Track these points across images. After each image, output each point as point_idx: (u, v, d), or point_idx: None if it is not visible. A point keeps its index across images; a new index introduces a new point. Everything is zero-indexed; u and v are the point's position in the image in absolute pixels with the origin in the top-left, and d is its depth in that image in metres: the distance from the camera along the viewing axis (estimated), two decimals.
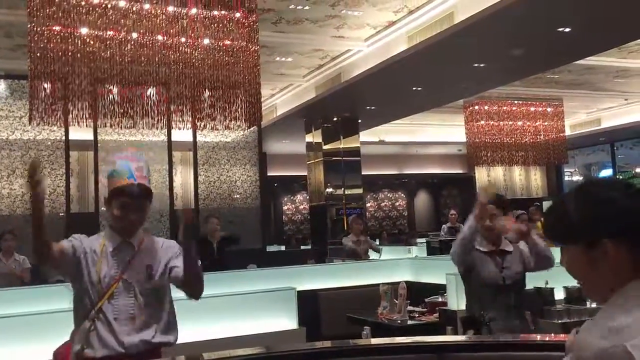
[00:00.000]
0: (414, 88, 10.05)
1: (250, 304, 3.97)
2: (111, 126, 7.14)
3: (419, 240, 12.42)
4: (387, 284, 5.00)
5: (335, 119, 12.33)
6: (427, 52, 8.09)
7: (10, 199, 9.47)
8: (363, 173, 12.89)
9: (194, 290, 2.49)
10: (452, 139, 16.14)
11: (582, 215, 1.17)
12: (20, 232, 6.71)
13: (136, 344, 2.33)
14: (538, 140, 13.57)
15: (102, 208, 9.68)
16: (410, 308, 4.76)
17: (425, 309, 4.80)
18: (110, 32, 6.51)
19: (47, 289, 5.38)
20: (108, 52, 6.61)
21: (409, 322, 4.55)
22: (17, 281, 6.21)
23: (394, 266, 6.52)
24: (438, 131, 16.11)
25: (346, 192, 12.49)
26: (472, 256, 3.21)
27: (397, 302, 4.72)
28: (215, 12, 6.93)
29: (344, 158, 12.55)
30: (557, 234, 1.24)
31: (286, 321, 4.02)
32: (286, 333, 3.95)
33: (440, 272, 4.78)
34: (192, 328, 3.33)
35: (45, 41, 6.34)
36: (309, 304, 5.01)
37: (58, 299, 4.93)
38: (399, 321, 4.54)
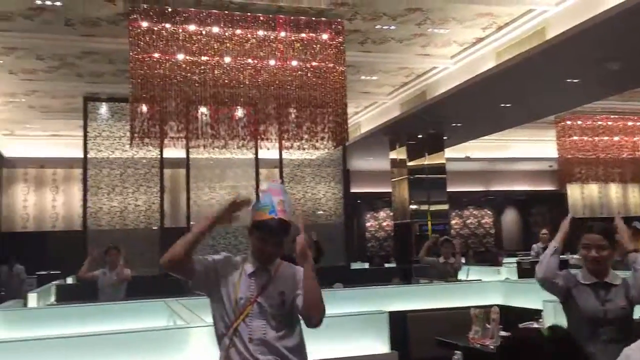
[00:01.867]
0: (503, 105, 9.81)
1: (340, 325, 3.98)
2: (204, 147, 7.44)
3: (507, 260, 12.04)
4: (478, 307, 4.88)
5: (420, 135, 12.23)
6: (517, 68, 7.89)
7: (110, 215, 10.03)
8: (448, 190, 12.68)
9: (311, 317, 2.52)
10: (542, 154, 15.58)
11: None
12: (119, 246, 7.10)
13: None
14: (636, 156, 12.87)
15: (192, 223, 10.07)
16: (503, 333, 4.62)
17: None
18: (205, 57, 6.82)
19: (144, 305, 5.66)
20: (202, 76, 6.92)
21: None
22: (120, 294, 6.56)
23: (484, 288, 6.36)
24: (527, 147, 15.60)
25: (431, 209, 12.32)
26: (570, 287, 3.08)
27: (489, 326, 4.60)
28: (303, 35, 7.11)
29: (428, 175, 12.41)
30: None
31: (378, 344, 4.00)
32: (378, 357, 3.94)
33: (534, 296, 4.60)
34: None
35: (145, 67, 6.72)
36: (398, 326, 4.97)
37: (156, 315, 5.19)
38: (492, 347, 4.42)
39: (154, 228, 10.17)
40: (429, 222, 12.17)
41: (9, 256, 12.09)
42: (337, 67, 7.04)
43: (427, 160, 12.42)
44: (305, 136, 7.21)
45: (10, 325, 5.13)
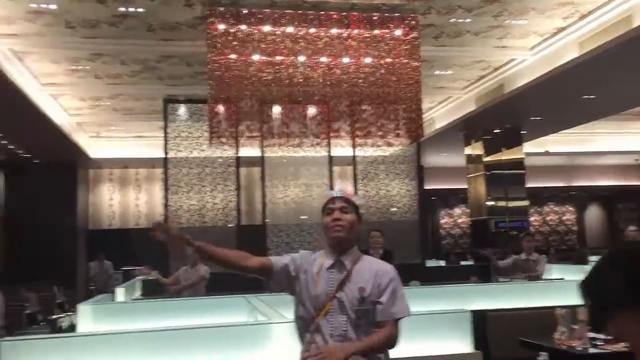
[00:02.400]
0: (585, 96, 9.39)
1: (422, 324, 3.93)
2: (278, 146, 7.56)
3: (592, 258, 11.51)
4: (563, 307, 4.69)
5: (496, 130, 11.90)
6: (602, 58, 7.53)
7: (190, 212, 10.35)
8: (527, 185, 12.27)
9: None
10: (628, 147, 14.80)
11: None
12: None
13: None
14: None
15: (267, 220, 10.25)
16: (591, 335, 4.42)
17: (610, 337, 4.42)
18: (279, 57, 6.92)
19: (225, 300, 5.81)
20: (276, 76, 7.02)
21: (591, 350, 4.23)
22: (200, 291, 6.76)
23: (568, 288, 6.10)
24: (611, 140, 14.86)
25: (509, 205, 11.97)
26: None
27: (575, 327, 4.42)
28: (377, 31, 7.07)
29: (506, 170, 12.06)
30: None
31: (460, 344, 3.93)
32: (462, 357, 3.87)
33: None
34: None
35: (222, 69, 6.89)
36: (478, 326, 4.86)
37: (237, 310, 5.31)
38: (580, 348, 4.24)
39: (230, 225, 10.41)
40: (507, 219, 11.84)
41: (99, 252, 12.72)
42: (412, 63, 6.96)
43: (505, 156, 12.07)
44: (379, 133, 7.18)
45: (101, 318, 5.40)
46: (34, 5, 6.81)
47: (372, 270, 2.54)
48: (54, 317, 5.54)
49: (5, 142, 11.41)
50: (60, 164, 13.35)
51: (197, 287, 6.85)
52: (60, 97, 10.46)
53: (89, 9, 6.98)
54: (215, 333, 4.13)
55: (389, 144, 7.47)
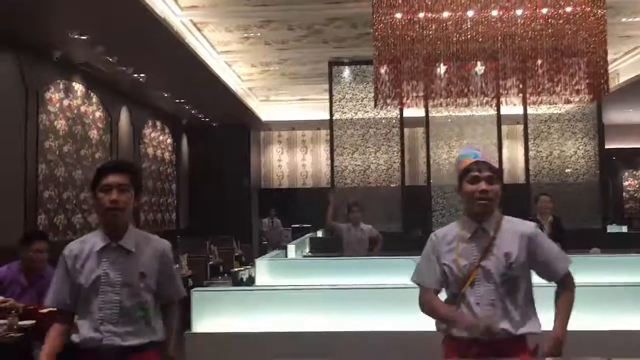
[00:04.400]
0: None
1: (602, 296, 3.65)
2: (446, 105, 7.34)
3: None
4: None
5: None
6: None
7: (354, 173, 10.55)
8: None
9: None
10: None
11: None
12: (362, 203, 7.39)
13: (497, 331, 2.34)
14: None
15: (431, 181, 10.09)
16: None
17: None
18: (446, 13, 6.64)
19: (390, 261, 5.87)
20: (443, 33, 6.76)
21: None
22: (363, 250, 6.88)
23: None
24: None
25: None
26: None
27: None
28: None
29: None
30: None
31: None
32: None
33: None
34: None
35: (388, 29, 6.79)
36: None
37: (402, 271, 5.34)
38: None
39: (393, 186, 10.44)
40: None
41: (270, 210, 13.52)
42: (596, 11, 6.28)
43: None
44: (556, 89, 6.64)
45: (276, 272, 5.76)
46: None
47: (516, 232, 2.44)
48: (235, 269, 6.02)
49: (188, 107, 12.44)
50: (235, 127, 14.33)
51: (363, 245, 6.87)
52: (234, 64, 11.11)
53: None
54: (383, 293, 4.20)
55: (568, 101, 6.90)
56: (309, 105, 14.38)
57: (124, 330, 2.43)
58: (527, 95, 7.21)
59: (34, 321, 3.71)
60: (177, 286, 2.65)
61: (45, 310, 3.75)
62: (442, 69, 7.25)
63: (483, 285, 2.40)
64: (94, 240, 2.52)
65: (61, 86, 8.80)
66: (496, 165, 2.51)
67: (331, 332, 3.96)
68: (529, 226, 2.50)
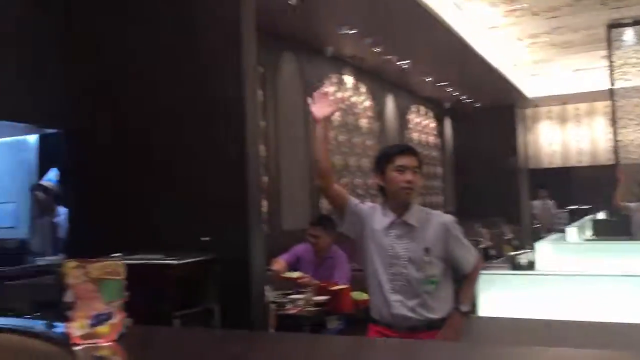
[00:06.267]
0: None
1: None
2: None
3: None
4: None
5: None
6: None
7: None
8: None
9: None
10: None
11: None
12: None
13: None
14: None
15: None
16: None
17: None
18: None
19: None
20: None
21: None
22: None
23: None
24: None
25: None
26: None
27: None
28: None
29: None
30: None
31: None
32: None
33: None
34: None
35: None
36: None
37: None
38: None
39: None
40: None
41: (540, 191, 12.76)
42: None
43: None
44: None
45: (558, 256, 5.41)
46: None
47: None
48: (512, 253, 5.82)
49: (451, 89, 12.37)
50: (498, 106, 13.84)
51: None
52: (498, 40, 10.69)
53: None
54: None
55: None
56: (582, 76, 13.20)
57: (412, 303, 2.52)
58: None
59: (328, 297, 4.04)
60: (465, 257, 2.63)
61: (336, 288, 4.07)
62: None
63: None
64: (379, 213, 2.64)
65: (334, 80, 9.46)
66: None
67: (617, 323, 3.58)
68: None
